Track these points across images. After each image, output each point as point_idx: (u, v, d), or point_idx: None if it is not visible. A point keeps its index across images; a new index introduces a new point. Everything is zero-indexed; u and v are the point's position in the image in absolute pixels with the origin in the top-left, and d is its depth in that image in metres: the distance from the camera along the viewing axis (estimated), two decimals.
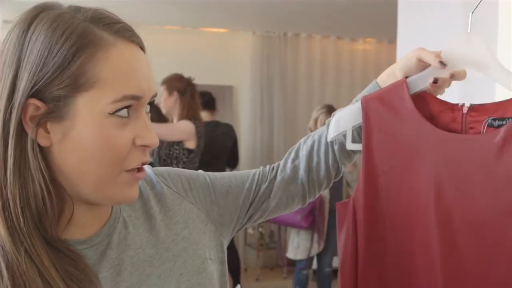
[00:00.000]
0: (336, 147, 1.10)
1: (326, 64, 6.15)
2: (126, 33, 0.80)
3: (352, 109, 1.09)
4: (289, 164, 1.12)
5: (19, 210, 0.74)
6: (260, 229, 5.41)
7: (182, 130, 3.51)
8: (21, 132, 0.75)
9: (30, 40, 0.75)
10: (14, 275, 0.71)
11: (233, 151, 4.52)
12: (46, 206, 0.75)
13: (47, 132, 0.76)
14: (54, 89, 0.74)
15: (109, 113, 0.76)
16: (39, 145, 0.75)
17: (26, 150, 0.75)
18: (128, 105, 0.77)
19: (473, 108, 1.03)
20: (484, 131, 1.01)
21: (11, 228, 0.73)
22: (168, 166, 3.53)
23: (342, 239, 1.11)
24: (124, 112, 0.77)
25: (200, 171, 1.06)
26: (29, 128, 0.75)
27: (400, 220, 1.06)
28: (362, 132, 1.07)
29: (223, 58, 5.79)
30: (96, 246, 0.84)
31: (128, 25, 0.82)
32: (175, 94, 3.57)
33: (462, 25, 2.49)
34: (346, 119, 1.08)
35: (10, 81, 0.75)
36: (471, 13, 1.05)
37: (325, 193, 3.99)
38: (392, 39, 5.66)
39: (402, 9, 3.04)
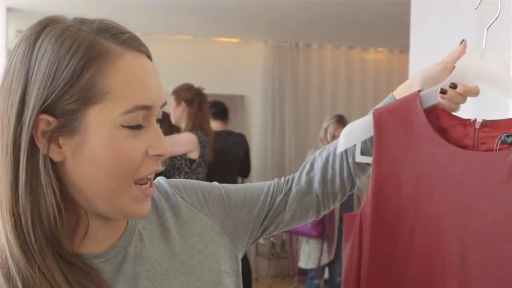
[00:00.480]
0: (351, 160, 1.09)
1: (338, 73, 6.14)
2: (133, 43, 0.79)
3: (363, 122, 1.08)
4: (304, 177, 1.12)
5: (31, 226, 0.73)
6: (271, 239, 5.40)
7: (183, 143, 3.48)
8: (32, 148, 0.74)
9: (38, 55, 0.74)
10: None
11: (245, 161, 4.52)
12: (58, 221, 0.74)
13: (60, 147, 0.75)
14: (65, 103, 0.73)
15: (121, 125, 0.75)
16: (51, 160, 0.75)
17: (38, 166, 0.74)
18: (139, 117, 0.76)
19: (485, 124, 1.02)
20: (497, 148, 1.00)
21: (23, 245, 0.73)
22: (171, 177, 3.50)
23: (347, 251, 1.10)
24: (135, 123, 0.76)
25: (215, 182, 1.06)
26: (41, 143, 0.74)
27: (408, 236, 1.05)
28: (373, 145, 1.06)
29: (235, 67, 5.81)
30: (112, 260, 0.83)
31: (134, 34, 0.81)
32: (183, 104, 3.56)
33: (475, 35, 2.48)
34: (357, 131, 1.08)
35: (18, 98, 0.74)
36: (486, 29, 1.04)
37: None
38: (403, 48, 5.66)
39: (415, 18, 3.03)
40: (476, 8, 1.09)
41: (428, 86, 1.06)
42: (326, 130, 4.31)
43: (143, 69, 0.79)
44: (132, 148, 0.76)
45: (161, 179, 1.00)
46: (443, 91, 1.03)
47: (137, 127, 0.77)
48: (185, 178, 3.48)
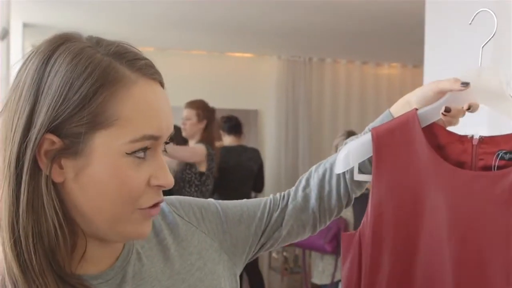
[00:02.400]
0: (347, 176, 1.08)
1: (351, 88, 6.15)
2: (149, 71, 0.77)
3: (362, 142, 1.06)
4: (300, 193, 1.11)
5: (31, 247, 0.72)
6: (285, 253, 5.38)
7: (197, 152, 3.64)
8: (34, 167, 0.73)
9: (50, 73, 0.73)
10: None
11: (259, 176, 4.52)
12: (59, 242, 0.73)
13: (61, 168, 0.74)
14: (73, 125, 0.72)
15: (127, 153, 0.74)
16: (52, 181, 0.73)
17: (40, 186, 0.73)
18: (146, 145, 0.75)
19: (483, 140, 1.02)
20: (496, 164, 0.99)
21: (23, 265, 0.71)
22: (181, 189, 3.61)
23: (345, 271, 1.09)
24: (141, 152, 0.75)
25: (211, 199, 1.04)
26: (43, 163, 0.73)
27: (408, 257, 1.03)
28: (373, 165, 1.05)
29: (248, 82, 5.83)
30: (111, 280, 0.82)
31: (150, 61, 0.79)
32: (204, 122, 3.66)
33: (491, 50, 2.47)
34: (355, 153, 1.06)
35: (26, 114, 0.72)
36: (481, 47, 1.04)
37: (349, 217, 3.96)
38: (416, 63, 5.66)
39: (429, 32, 3.03)
40: (470, 24, 1.09)
41: (422, 105, 1.05)
42: (336, 147, 4.31)
43: (155, 98, 0.77)
44: (135, 177, 0.75)
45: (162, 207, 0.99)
46: (448, 110, 1.01)
47: (142, 156, 0.75)
48: (195, 190, 3.57)
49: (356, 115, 6.13)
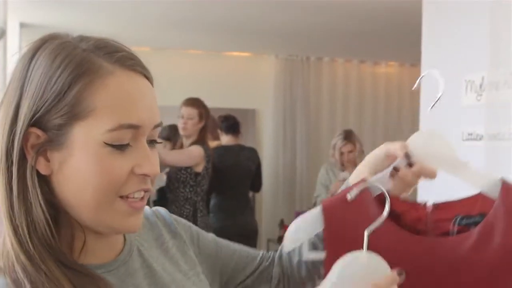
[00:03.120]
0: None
1: (349, 87, 6.15)
2: (127, 62, 0.78)
3: (311, 217, 0.99)
4: (276, 261, 1.11)
5: (27, 235, 0.74)
6: None
7: (195, 155, 3.59)
8: (22, 159, 0.75)
9: (33, 70, 0.76)
10: None
11: (257, 175, 4.52)
12: (52, 232, 0.75)
13: (47, 160, 0.76)
14: (53, 117, 0.74)
15: (105, 143, 0.75)
16: (40, 174, 0.76)
17: (27, 178, 0.75)
18: (125, 136, 0.76)
19: (437, 206, 0.99)
20: (455, 230, 0.96)
21: (26, 252, 0.74)
22: (175, 189, 3.60)
23: None
24: (120, 142, 0.76)
25: (211, 234, 1.09)
26: (30, 156, 0.76)
27: None
28: (324, 240, 0.99)
29: (246, 81, 5.83)
30: (114, 271, 0.84)
31: (131, 53, 0.80)
32: (203, 121, 3.64)
33: (488, 49, 2.48)
34: (304, 228, 0.99)
35: (13, 110, 0.75)
36: (429, 109, 0.99)
37: None
38: (414, 62, 5.65)
39: (426, 31, 3.03)
40: (413, 89, 1.06)
41: (375, 171, 1.02)
42: (334, 146, 4.31)
43: (134, 88, 0.78)
44: (116, 166, 0.76)
45: (161, 209, 1.02)
46: (396, 169, 0.98)
47: (122, 146, 0.76)
48: (190, 191, 3.56)
49: (354, 114, 6.13)
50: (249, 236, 4.32)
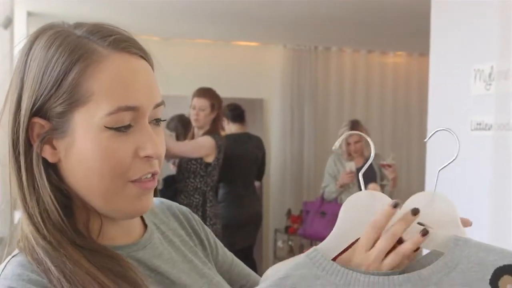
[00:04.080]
0: None
1: (357, 77, 6.12)
2: (121, 44, 0.78)
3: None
4: None
5: (41, 222, 0.76)
6: (290, 242, 5.39)
7: (204, 146, 3.56)
8: (29, 149, 0.77)
9: (30, 61, 0.77)
10: (64, 272, 0.73)
11: (262, 164, 4.53)
12: (62, 219, 0.77)
13: (54, 148, 0.78)
14: (53, 106, 0.75)
15: (106, 127, 0.75)
16: (48, 162, 0.77)
17: (33, 166, 0.77)
18: (125, 118, 0.76)
19: None
20: None
21: (44, 237, 0.75)
22: (185, 179, 3.58)
23: None
24: (121, 124, 0.76)
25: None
26: (35, 145, 0.77)
27: None
28: None
29: (254, 71, 5.82)
30: (133, 254, 0.84)
31: (125, 36, 0.80)
32: (216, 113, 3.62)
33: (497, 37, 2.45)
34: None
35: (15, 102, 0.77)
36: (438, 171, 0.89)
37: None
38: (422, 51, 5.63)
39: (435, 21, 3.01)
40: (425, 141, 1.02)
41: None
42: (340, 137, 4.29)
43: (129, 70, 0.78)
44: (119, 149, 0.76)
45: (186, 209, 1.04)
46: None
47: (123, 128, 0.76)
48: (200, 181, 3.55)
49: (362, 104, 6.11)
50: (257, 224, 4.33)
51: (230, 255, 1.07)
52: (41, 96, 0.75)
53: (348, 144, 4.23)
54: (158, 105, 0.81)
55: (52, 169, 0.78)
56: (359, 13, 4.43)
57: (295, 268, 0.80)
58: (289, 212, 5.48)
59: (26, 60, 0.77)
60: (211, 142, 3.54)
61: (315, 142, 5.97)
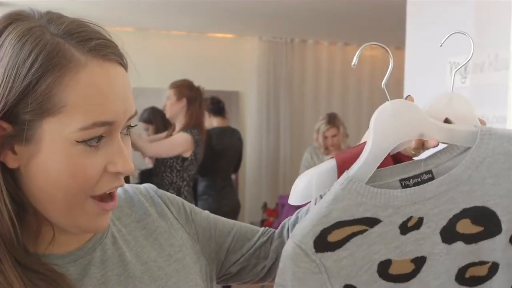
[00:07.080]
0: None
1: (333, 70, 6.14)
2: (101, 51, 0.72)
3: (324, 169, 0.92)
4: (275, 244, 1.07)
5: None
6: None
7: (180, 143, 3.45)
8: None
9: None
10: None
11: (240, 156, 4.54)
12: (14, 229, 0.71)
13: (15, 153, 0.72)
14: (20, 112, 0.69)
15: (77, 141, 0.70)
16: (5, 166, 0.72)
17: None
18: (99, 132, 0.72)
19: None
20: None
21: None
22: (161, 173, 3.51)
23: None
24: (93, 140, 0.72)
25: (206, 211, 1.05)
26: None
27: None
28: None
29: (229, 63, 5.79)
30: (79, 261, 0.81)
31: (105, 40, 0.74)
32: (184, 101, 3.52)
33: (472, 30, 2.47)
34: (317, 183, 0.91)
35: None
36: (453, 74, 0.97)
37: None
38: (399, 45, 5.63)
39: (411, 14, 3.02)
40: (440, 46, 1.05)
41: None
42: (317, 131, 4.28)
43: (107, 81, 0.72)
44: (88, 164, 0.72)
45: (149, 187, 0.99)
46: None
47: (95, 140, 0.72)
48: (176, 176, 3.49)
49: (338, 97, 6.13)
50: (237, 214, 4.33)
51: (211, 220, 1.02)
52: (8, 100, 0.69)
53: (325, 138, 4.23)
54: (131, 117, 0.77)
55: (9, 174, 0.72)
56: (336, 6, 4.42)
57: (335, 202, 0.84)
58: (265, 206, 5.48)
59: None
60: (187, 138, 3.47)
61: (291, 135, 5.97)
